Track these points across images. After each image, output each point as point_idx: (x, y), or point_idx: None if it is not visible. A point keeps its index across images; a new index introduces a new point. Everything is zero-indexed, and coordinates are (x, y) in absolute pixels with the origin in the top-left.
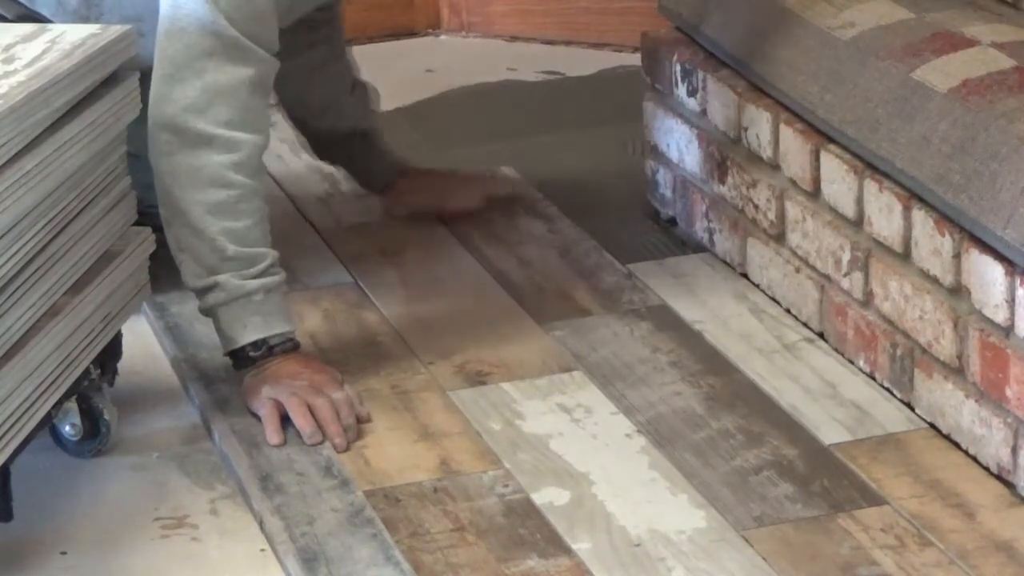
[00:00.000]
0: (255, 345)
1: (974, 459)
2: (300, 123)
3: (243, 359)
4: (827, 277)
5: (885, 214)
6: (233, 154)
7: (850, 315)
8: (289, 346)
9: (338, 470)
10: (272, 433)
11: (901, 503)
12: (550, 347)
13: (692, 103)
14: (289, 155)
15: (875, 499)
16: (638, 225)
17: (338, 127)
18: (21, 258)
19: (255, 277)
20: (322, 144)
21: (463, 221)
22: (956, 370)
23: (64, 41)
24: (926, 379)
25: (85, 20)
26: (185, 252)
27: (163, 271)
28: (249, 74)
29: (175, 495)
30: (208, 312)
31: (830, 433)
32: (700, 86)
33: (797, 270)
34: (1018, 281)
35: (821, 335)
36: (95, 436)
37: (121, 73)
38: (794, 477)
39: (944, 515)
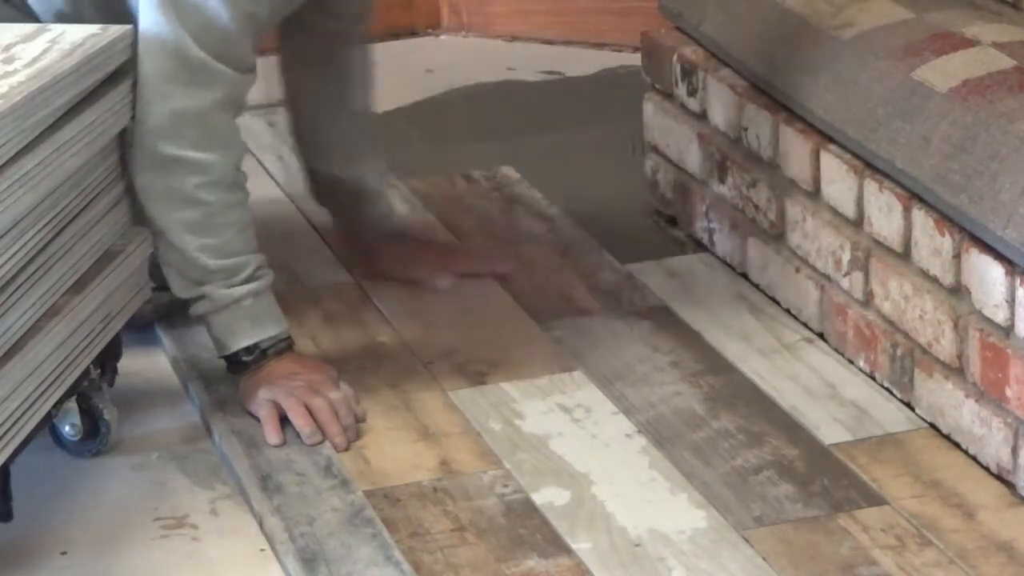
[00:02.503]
0: (247, 350)
1: (974, 459)
2: (302, 155)
3: (237, 364)
4: (827, 277)
5: (885, 214)
6: (203, 175)
7: (850, 315)
8: (282, 347)
9: (338, 470)
10: (272, 433)
11: (901, 503)
12: (550, 347)
13: (692, 103)
14: (289, 155)
15: (875, 499)
16: (638, 225)
17: (343, 175)
18: (21, 258)
19: (241, 284)
20: (319, 185)
21: (463, 220)
22: (956, 370)
23: (64, 41)
24: (926, 379)
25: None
26: (170, 266)
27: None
28: (216, 97)
29: (175, 495)
30: (199, 319)
31: (830, 433)
32: (700, 86)
33: (797, 270)
34: (1018, 281)
35: (821, 335)
36: (95, 436)
37: (121, 73)
38: (794, 477)
39: (944, 515)
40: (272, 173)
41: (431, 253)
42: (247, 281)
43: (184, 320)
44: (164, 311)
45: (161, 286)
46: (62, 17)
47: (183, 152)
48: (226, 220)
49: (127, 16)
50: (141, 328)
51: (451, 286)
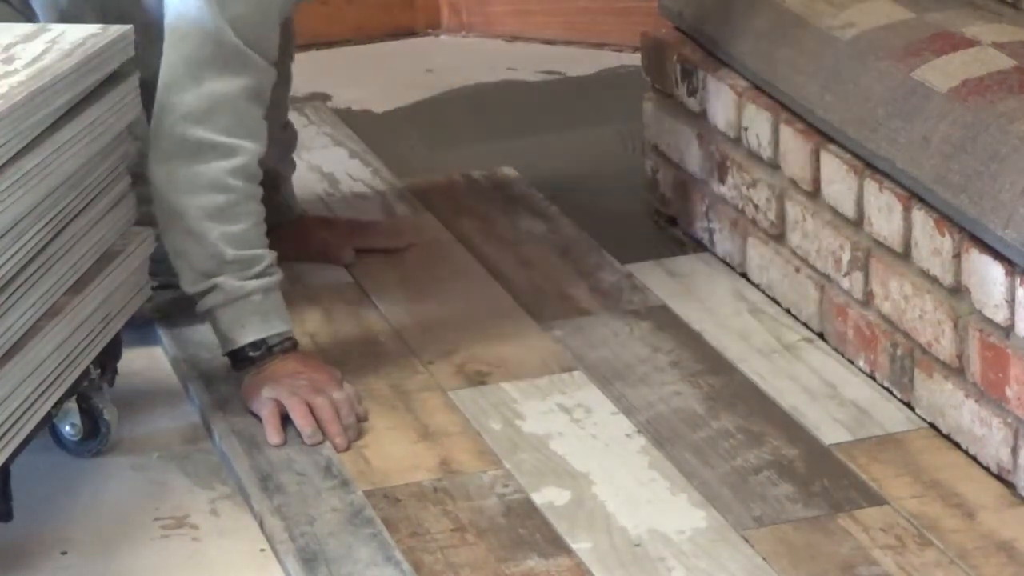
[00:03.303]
0: (254, 345)
1: (974, 459)
2: None
3: (242, 359)
4: (827, 277)
5: (885, 214)
6: (232, 160)
7: (850, 315)
8: (288, 345)
9: (338, 470)
10: (272, 433)
11: (901, 503)
12: (550, 347)
13: (692, 103)
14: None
15: (875, 499)
16: (638, 225)
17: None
18: (21, 258)
19: (254, 278)
20: None
21: (463, 220)
22: (956, 370)
23: (64, 41)
24: (926, 379)
25: None
26: (182, 258)
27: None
28: (247, 83)
29: (175, 495)
30: (207, 314)
31: (830, 433)
32: (700, 86)
33: (797, 270)
34: (1018, 281)
35: (821, 335)
36: (95, 436)
37: (121, 73)
38: (794, 477)
39: (944, 515)
40: None
41: (328, 231)
42: (259, 276)
43: (185, 319)
44: (165, 310)
45: (163, 284)
46: (64, 15)
47: (215, 137)
48: (247, 209)
49: (129, 13)
50: (141, 325)
51: (354, 260)
